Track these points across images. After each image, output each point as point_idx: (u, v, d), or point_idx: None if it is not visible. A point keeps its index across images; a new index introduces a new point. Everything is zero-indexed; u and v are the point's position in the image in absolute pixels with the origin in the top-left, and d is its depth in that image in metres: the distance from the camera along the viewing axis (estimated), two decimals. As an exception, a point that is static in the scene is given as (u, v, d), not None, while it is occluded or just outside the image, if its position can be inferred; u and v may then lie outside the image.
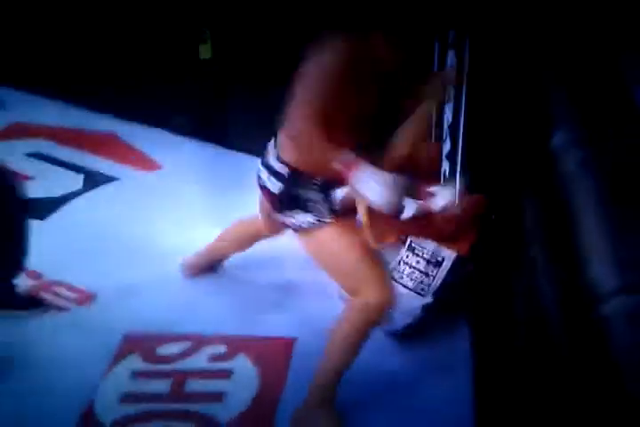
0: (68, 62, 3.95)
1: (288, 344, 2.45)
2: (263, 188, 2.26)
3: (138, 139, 3.64)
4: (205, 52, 3.51)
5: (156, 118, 3.67)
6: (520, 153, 1.88)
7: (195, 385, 2.32)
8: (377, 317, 2.14)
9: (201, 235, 2.82)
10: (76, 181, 3.33)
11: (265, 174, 2.24)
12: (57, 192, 3.22)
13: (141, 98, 3.59)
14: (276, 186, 2.21)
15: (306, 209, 2.19)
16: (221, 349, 2.45)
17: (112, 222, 3.01)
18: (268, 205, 2.30)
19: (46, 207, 3.06)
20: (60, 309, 2.62)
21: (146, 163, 3.47)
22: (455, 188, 2.44)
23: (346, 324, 2.17)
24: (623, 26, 1.86)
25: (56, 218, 3.01)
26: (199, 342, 2.48)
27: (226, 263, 2.79)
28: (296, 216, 2.20)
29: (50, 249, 2.78)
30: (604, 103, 1.40)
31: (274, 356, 2.41)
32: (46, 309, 2.62)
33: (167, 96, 3.63)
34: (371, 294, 2.10)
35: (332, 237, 2.18)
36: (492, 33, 2.42)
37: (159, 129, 3.69)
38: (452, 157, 2.87)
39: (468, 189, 2.78)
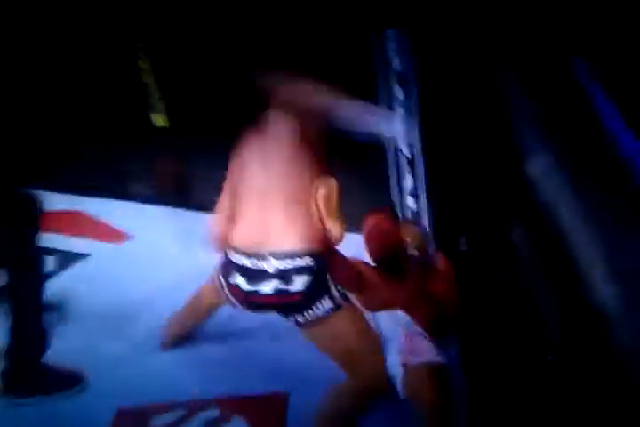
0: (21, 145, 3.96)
1: (281, 399, 2.43)
2: (276, 295, 2.23)
3: (103, 212, 3.65)
4: (161, 120, 3.55)
5: (118, 190, 3.69)
6: (493, 181, 1.90)
7: (193, 453, 2.29)
8: (367, 400, 2.21)
9: (180, 300, 2.81)
10: (48, 262, 3.22)
11: (274, 284, 2.23)
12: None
13: (100, 171, 3.62)
14: (299, 283, 2.22)
15: (330, 293, 2.25)
16: (215, 413, 2.42)
17: (90, 298, 2.99)
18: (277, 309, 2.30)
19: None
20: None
21: (115, 235, 3.47)
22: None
23: (334, 411, 2.20)
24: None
25: None
26: (192, 408, 2.44)
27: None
28: (320, 305, 2.24)
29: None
30: (570, 123, 1.43)
31: (269, 413, 2.39)
32: (82, 386, 2.55)
33: (126, 166, 3.67)
34: (369, 376, 2.19)
35: (344, 322, 2.25)
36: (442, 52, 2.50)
37: (123, 200, 3.71)
38: (414, 192, 2.91)
39: (435, 220, 2.83)
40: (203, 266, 3.05)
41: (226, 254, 2.35)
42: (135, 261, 3.26)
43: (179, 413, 2.43)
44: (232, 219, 2.37)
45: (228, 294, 2.36)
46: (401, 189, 3.02)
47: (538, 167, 1.27)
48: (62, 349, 2.67)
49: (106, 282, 3.13)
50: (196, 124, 3.69)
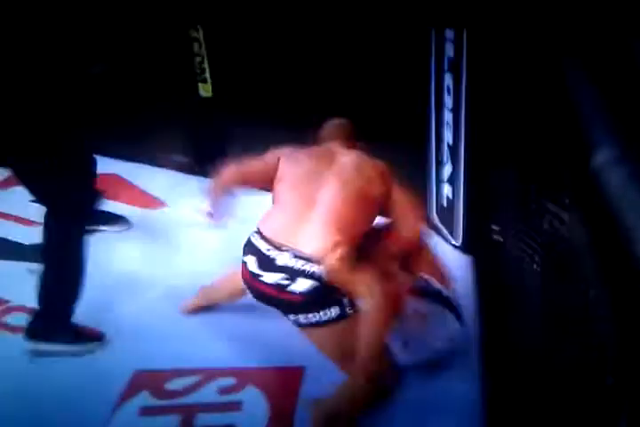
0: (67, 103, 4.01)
1: (297, 373, 2.42)
2: (275, 288, 2.26)
3: (140, 178, 3.68)
4: (206, 90, 3.55)
5: (158, 158, 3.71)
6: (555, 174, 1.85)
7: (205, 419, 2.29)
8: (367, 400, 2.23)
9: (210, 271, 2.83)
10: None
11: (277, 276, 2.24)
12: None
13: (141, 137, 3.64)
14: (302, 286, 2.23)
15: (340, 303, 2.25)
16: (230, 381, 2.42)
17: (120, 262, 3.02)
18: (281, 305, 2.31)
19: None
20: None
21: (150, 201, 3.49)
22: None
23: (334, 410, 2.19)
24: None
25: None
26: (208, 375, 2.45)
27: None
28: (327, 311, 2.25)
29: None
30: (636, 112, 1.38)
31: (283, 386, 2.38)
32: (102, 343, 2.60)
33: (167, 135, 3.68)
34: (369, 379, 2.20)
35: (349, 329, 2.24)
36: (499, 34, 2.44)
37: (161, 168, 3.73)
38: (453, 180, 2.88)
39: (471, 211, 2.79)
40: (232, 239, 3.10)
41: (251, 234, 2.39)
42: (166, 228, 3.28)
43: (194, 379, 2.44)
44: (243, 179, 2.55)
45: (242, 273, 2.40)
46: (438, 176, 2.99)
47: (601, 159, 1.22)
48: (83, 308, 2.74)
49: (136, 247, 3.15)
50: (239, 97, 3.70)
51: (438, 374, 2.37)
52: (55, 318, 2.57)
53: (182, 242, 3.19)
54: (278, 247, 2.27)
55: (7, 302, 2.84)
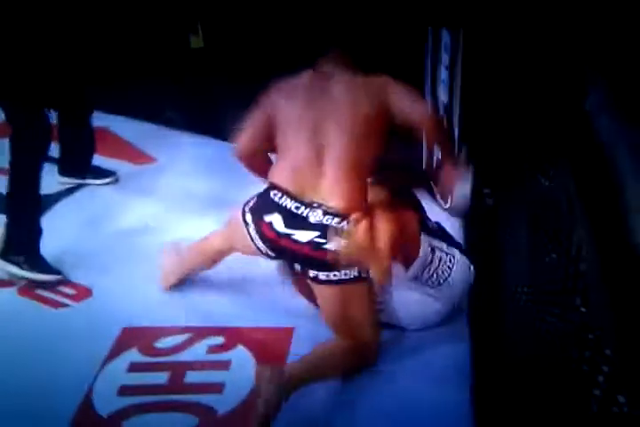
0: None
1: (286, 334, 2.43)
2: (309, 246, 2.14)
3: (131, 133, 3.64)
4: (197, 41, 3.47)
5: (148, 112, 3.65)
6: (546, 117, 1.82)
7: (193, 377, 2.30)
8: (366, 358, 2.25)
9: (199, 228, 2.80)
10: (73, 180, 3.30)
11: (312, 234, 2.14)
12: (52, 189, 3.20)
13: (132, 92, 3.58)
14: (337, 243, 2.12)
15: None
16: (220, 340, 2.44)
17: (109, 217, 3.00)
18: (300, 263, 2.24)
19: (42, 204, 3.03)
20: (58, 304, 2.61)
21: (140, 157, 3.46)
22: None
23: (337, 349, 2.22)
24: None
25: (52, 214, 3.00)
26: (197, 334, 2.46)
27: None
28: (348, 270, 2.17)
29: (46, 245, 2.76)
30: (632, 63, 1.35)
31: (272, 346, 2.38)
32: (60, 280, 2.69)
33: (158, 89, 3.61)
34: (367, 337, 2.24)
35: (361, 292, 2.21)
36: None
37: (151, 123, 3.68)
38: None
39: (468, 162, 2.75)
40: (222, 196, 3.09)
41: (265, 191, 2.25)
42: (155, 184, 3.25)
43: (183, 337, 2.45)
44: (259, 146, 2.35)
45: (253, 234, 2.24)
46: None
47: (592, 104, 1.20)
48: (75, 266, 2.76)
49: (125, 203, 3.13)
50: (232, 52, 3.61)
51: (428, 338, 2.39)
52: (22, 244, 2.66)
53: (171, 197, 3.16)
54: (309, 204, 2.16)
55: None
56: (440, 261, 2.31)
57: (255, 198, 2.29)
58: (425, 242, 2.31)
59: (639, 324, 0.92)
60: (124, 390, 2.25)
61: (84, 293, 2.66)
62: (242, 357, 2.36)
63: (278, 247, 2.23)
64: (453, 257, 2.34)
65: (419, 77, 2.94)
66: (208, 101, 3.66)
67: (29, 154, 2.64)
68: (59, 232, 2.91)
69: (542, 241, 1.84)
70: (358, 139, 2.18)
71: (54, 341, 2.44)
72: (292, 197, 2.19)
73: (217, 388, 2.25)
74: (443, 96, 2.84)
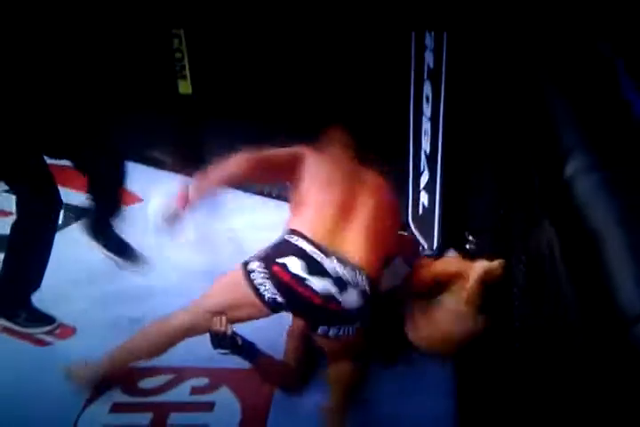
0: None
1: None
2: (320, 295, 2.12)
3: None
4: (185, 87, 3.54)
5: (134, 153, 3.68)
6: (526, 185, 1.87)
7: (177, 418, 2.30)
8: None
9: (184, 268, 2.82)
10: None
11: (325, 282, 2.12)
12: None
13: (119, 132, 3.61)
14: (351, 298, 2.13)
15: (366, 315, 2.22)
16: (204, 381, 2.44)
17: (93, 257, 2.99)
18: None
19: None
20: (41, 342, 2.62)
21: (125, 196, 3.47)
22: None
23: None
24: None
25: None
26: (181, 374, 2.46)
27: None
28: (355, 324, 2.19)
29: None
30: (610, 124, 1.41)
31: (257, 387, 2.39)
32: (54, 328, 2.66)
33: (145, 130, 3.66)
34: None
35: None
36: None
37: (137, 163, 3.71)
38: (430, 188, 2.92)
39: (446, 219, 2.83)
40: (209, 238, 3.11)
41: (282, 238, 2.24)
42: (140, 223, 3.25)
43: (167, 377, 2.45)
44: (253, 167, 2.41)
45: (261, 281, 2.16)
46: (416, 184, 3.03)
47: (573, 167, 1.26)
48: (58, 304, 2.74)
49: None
50: (219, 95, 3.69)
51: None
52: (15, 297, 2.65)
53: (156, 238, 3.17)
54: (324, 251, 2.16)
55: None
56: None
57: (266, 248, 2.25)
58: None
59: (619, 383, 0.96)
60: (107, 431, 2.23)
61: (66, 331, 2.66)
62: (226, 398, 2.37)
63: (290, 292, 2.15)
64: None
65: (402, 130, 3.02)
66: (194, 144, 3.71)
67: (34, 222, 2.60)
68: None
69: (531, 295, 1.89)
70: (382, 224, 2.33)
71: (36, 379, 2.42)
72: (309, 241, 2.18)
73: (201, 430, 2.24)
74: (426, 147, 2.92)
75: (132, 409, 2.33)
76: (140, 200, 3.42)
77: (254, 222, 3.22)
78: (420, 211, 3.00)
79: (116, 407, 2.34)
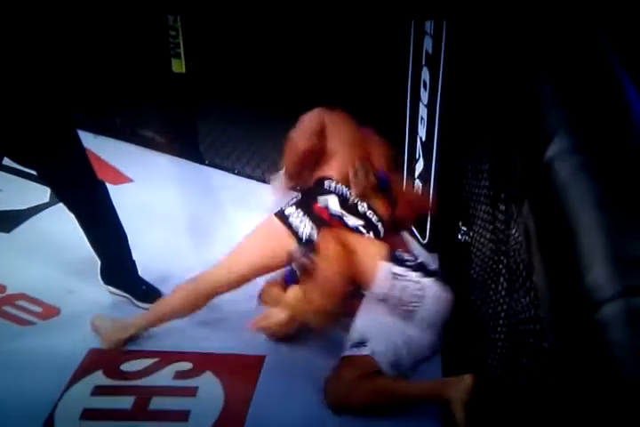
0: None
1: (257, 361, 2.41)
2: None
3: (108, 152, 3.60)
4: (178, 66, 3.49)
5: (127, 133, 3.65)
6: (509, 167, 1.87)
7: (159, 403, 2.27)
8: None
9: (176, 247, 2.79)
10: (43, 193, 3.26)
11: (358, 222, 2.42)
12: (23, 205, 3.19)
13: (111, 112, 3.58)
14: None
15: None
16: (188, 365, 2.41)
17: (79, 236, 2.95)
18: None
19: (12, 220, 3.03)
20: (23, 322, 2.57)
21: (116, 176, 3.44)
22: None
23: None
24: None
25: (22, 231, 2.97)
26: (165, 358, 2.43)
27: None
28: None
29: (14, 262, 2.75)
30: (597, 107, 1.40)
31: (241, 373, 2.37)
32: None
33: (137, 110, 3.62)
34: None
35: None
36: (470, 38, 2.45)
37: (129, 143, 3.67)
38: (425, 176, 2.89)
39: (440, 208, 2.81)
40: (195, 219, 3.09)
41: (316, 184, 2.46)
42: (129, 204, 3.22)
43: (150, 361, 2.42)
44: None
45: (298, 222, 2.35)
46: (411, 172, 3.01)
47: (554, 150, 1.24)
48: (42, 284, 2.72)
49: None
50: (213, 77, 3.64)
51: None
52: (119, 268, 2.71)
53: (146, 217, 3.14)
54: (354, 198, 2.43)
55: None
56: (405, 288, 2.30)
57: (297, 197, 2.46)
58: (385, 270, 2.32)
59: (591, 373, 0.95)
60: (87, 414, 2.21)
61: (50, 311, 2.62)
62: (209, 384, 2.34)
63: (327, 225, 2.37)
64: (423, 287, 2.32)
65: (399, 116, 2.98)
66: (186, 124, 3.67)
67: None
68: (27, 250, 2.89)
69: (508, 282, 1.88)
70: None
71: (18, 358, 2.40)
72: (347, 186, 2.44)
73: (182, 415, 2.21)
74: (422, 133, 2.89)
75: (114, 392, 2.30)
76: (131, 180, 3.39)
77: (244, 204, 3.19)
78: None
79: (98, 390, 2.30)
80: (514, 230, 1.86)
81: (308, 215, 2.37)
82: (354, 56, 3.41)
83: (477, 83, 2.46)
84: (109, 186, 3.33)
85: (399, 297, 2.29)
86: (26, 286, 2.71)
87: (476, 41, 2.45)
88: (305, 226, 2.35)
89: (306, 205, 2.39)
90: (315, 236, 2.33)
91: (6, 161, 3.44)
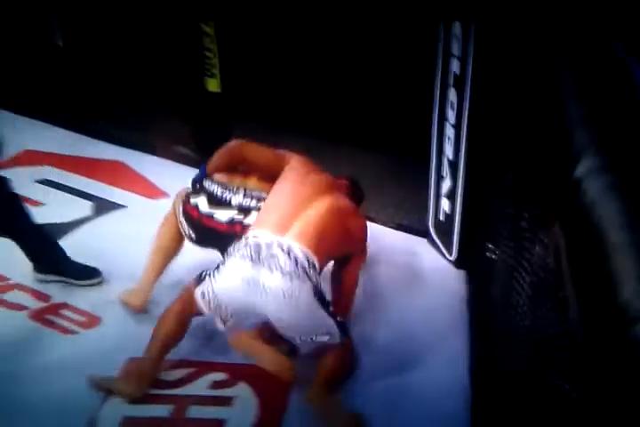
0: (79, 92, 4.06)
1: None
2: (227, 223, 2.62)
3: (144, 167, 3.72)
4: (213, 85, 3.60)
5: (163, 149, 3.76)
6: (534, 186, 1.90)
7: (196, 411, 2.35)
8: None
9: (207, 261, 2.87)
10: (85, 207, 3.41)
11: (231, 213, 2.61)
12: (67, 218, 3.30)
13: (148, 128, 3.68)
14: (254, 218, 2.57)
15: None
16: (223, 376, 2.49)
17: (120, 248, 3.06)
18: None
19: (56, 232, 3.12)
20: (66, 331, 2.67)
21: (152, 191, 3.53)
22: None
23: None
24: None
25: (66, 243, 3.04)
26: (201, 368, 2.51)
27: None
28: None
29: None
30: (625, 126, 1.41)
31: (275, 383, 2.42)
32: (100, 280, 2.88)
33: (173, 126, 3.71)
34: None
35: None
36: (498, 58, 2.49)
37: (165, 159, 3.78)
38: (452, 195, 2.95)
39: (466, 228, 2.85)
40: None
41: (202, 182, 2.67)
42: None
43: (187, 371, 2.50)
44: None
45: (180, 218, 2.66)
46: (438, 191, 3.06)
47: (583, 168, 1.26)
48: (85, 294, 2.82)
49: (135, 235, 3.16)
50: (247, 95, 3.74)
51: (428, 388, 2.45)
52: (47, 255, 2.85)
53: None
54: (233, 189, 2.59)
55: (7, 279, 2.91)
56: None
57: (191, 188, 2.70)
58: None
59: (619, 387, 0.98)
60: (127, 422, 2.30)
61: (92, 320, 2.72)
62: (244, 394, 2.42)
63: (200, 227, 2.61)
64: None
65: (425, 135, 3.03)
66: (220, 142, 3.77)
67: None
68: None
69: (536, 299, 1.92)
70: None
71: (61, 367, 2.48)
72: (221, 184, 2.61)
73: (218, 424, 2.30)
74: (449, 153, 2.95)
75: (152, 401, 2.38)
76: (167, 195, 3.49)
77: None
78: (442, 218, 3.03)
79: (138, 399, 2.38)
80: (538, 248, 1.90)
81: (184, 215, 2.65)
82: (382, 76, 3.48)
83: (504, 103, 2.51)
84: (145, 200, 3.47)
85: None
86: (70, 297, 2.81)
87: (502, 63, 2.49)
88: (183, 224, 2.66)
89: (184, 201, 2.66)
90: (193, 236, 2.64)
91: (49, 175, 3.61)
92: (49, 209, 3.34)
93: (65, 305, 2.79)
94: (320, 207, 2.45)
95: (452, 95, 2.81)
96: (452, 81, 2.80)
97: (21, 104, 4.11)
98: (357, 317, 2.71)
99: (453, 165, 2.90)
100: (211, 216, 2.57)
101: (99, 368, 2.45)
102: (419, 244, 3.23)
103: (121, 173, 3.65)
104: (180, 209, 2.68)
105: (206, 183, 2.65)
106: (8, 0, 3.99)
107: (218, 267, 2.36)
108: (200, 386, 2.45)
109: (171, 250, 2.77)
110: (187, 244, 2.79)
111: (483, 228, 2.77)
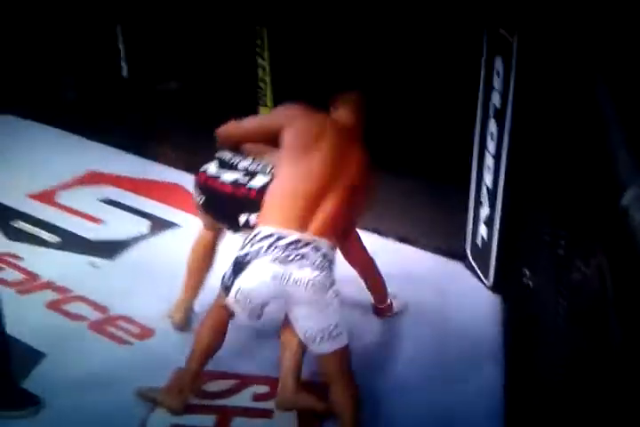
0: (144, 120, 4.32)
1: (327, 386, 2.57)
2: (231, 185, 2.57)
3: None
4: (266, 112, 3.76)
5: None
6: (584, 217, 1.86)
7: (239, 423, 2.46)
8: None
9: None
10: (143, 225, 3.60)
11: (236, 175, 2.57)
12: (125, 235, 3.49)
13: (205, 153, 3.84)
14: (260, 181, 2.53)
15: None
16: (265, 389, 2.59)
17: (174, 264, 3.17)
18: None
19: (115, 248, 3.32)
20: (122, 341, 2.83)
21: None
22: None
23: None
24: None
25: (124, 258, 3.24)
26: (244, 381, 2.63)
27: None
28: None
29: (116, 286, 3.02)
30: None
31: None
32: (39, 407, 2.47)
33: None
34: None
35: None
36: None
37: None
38: (490, 221, 3.04)
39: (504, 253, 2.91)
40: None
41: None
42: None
43: (231, 383, 2.62)
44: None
45: (195, 188, 2.67)
46: (476, 217, 3.15)
47: (630, 197, 1.26)
48: (140, 307, 2.97)
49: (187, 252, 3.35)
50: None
51: (462, 413, 2.52)
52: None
53: (232, 250, 3.34)
54: (242, 155, 2.61)
55: (69, 291, 3.08)
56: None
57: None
58: None
59: None
60: (175, 430, 2.41)
61: (146, 332, 2.88)
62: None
63: (205, 189, 2.62)
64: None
65: (465, 163, 3.11)
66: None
67: None
68: (128, 276, 3.15)
69: (570, 323, 1.94)
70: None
71: (114, 375, 2.63)
72: (232, 153, 2.62)
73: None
74: (488, 181, 3.01)
75: (198, 411, 2.50)
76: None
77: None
78: (479, 243, 3.11)
79: (184, 408, 2.49)
80: (578, 275, 1.89)
81: (195, 181, 2.68)
82: (429, 107, 3.57)
83: (544, 133, 2.54)
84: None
85: None
86: (126, 309, 2.96)
87: (542, 93, 2.55)
88: (194, 192, 2.70)
89: (200, 171, 2.67)
90: (202, 200, 2.66)
91: (109, 194, 3.82)
92: (109, 226, 3.55)
93: (122, 317, 2.94)
94: (338, 189, 2.36)
95: (493, 126, 2.89)
96: (492, 113, 2.88)
97: (89, 129, 4.41)
98: (393, 338, 2.80)
99: (492, 193, 2.97)
100: (217, 178, 2.59)
101: (149, 377, 2.58)
102: (456, 267, 3.31)
103: (178, 195, 3.83)
104: (195, 183, 2.71)
105: (220, 154, 2.68)
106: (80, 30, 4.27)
107: (242, 268, 2.29)
108: (243, 398, 2.56)
109: (206, 264, 2.84)
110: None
111: (519, 254, 2.84)
